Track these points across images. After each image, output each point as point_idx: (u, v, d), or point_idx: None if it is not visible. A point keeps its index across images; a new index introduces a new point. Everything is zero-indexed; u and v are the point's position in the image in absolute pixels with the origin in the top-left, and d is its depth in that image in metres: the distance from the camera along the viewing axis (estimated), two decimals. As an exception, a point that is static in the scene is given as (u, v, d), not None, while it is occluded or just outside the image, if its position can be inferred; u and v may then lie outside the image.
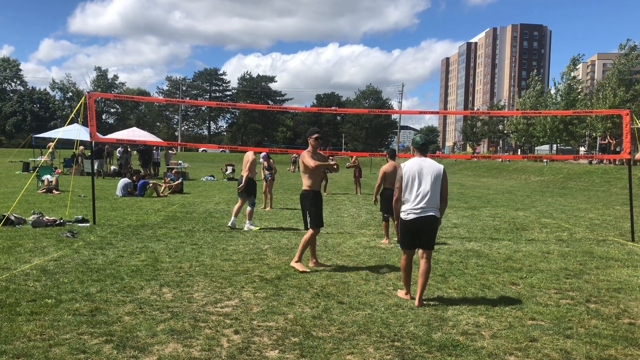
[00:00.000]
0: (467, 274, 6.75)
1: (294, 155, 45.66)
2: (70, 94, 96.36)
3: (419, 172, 5.35)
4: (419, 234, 5.37)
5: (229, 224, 10.25)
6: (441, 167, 5.39)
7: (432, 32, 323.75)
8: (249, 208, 10.38)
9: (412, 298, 5.45)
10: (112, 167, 28.11)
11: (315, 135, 6.97)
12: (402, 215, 5.42)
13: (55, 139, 27.57)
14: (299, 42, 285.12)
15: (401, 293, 5.63)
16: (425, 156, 5.50)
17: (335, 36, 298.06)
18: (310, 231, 6.86)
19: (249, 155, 10.31)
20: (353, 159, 20.16)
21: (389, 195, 8.51)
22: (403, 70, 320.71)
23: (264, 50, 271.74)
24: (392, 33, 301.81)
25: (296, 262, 6.78)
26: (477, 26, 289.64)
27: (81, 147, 26.26)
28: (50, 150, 28.41)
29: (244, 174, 10.29)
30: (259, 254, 7.77)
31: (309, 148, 6.96)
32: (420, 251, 5.46)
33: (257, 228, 10.28)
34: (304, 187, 6.93)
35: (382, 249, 8.40)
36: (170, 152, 31.04)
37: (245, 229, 10.20)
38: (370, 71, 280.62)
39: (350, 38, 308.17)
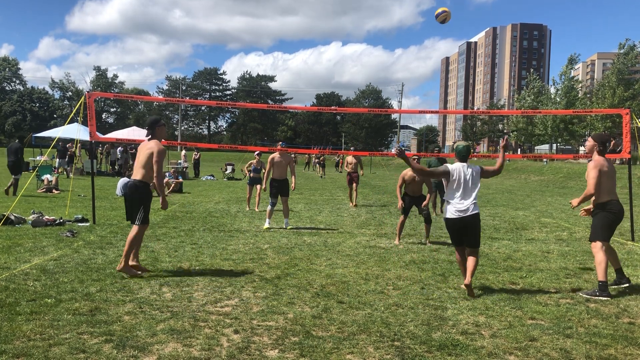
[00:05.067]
0: (467, 273, 6.75)
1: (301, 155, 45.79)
2: (70, 93, 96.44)
3: (464, 175, 5.82)
4: (464, 232, 5.83)
5: (265, 227, 10.31)
6: (478, 167, 5.96)
7: (436, 30, 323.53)
8: (269, 207, 10.52)
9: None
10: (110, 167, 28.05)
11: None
12: (448, 215, 5.85)
13: (55, 138, 27.66)
14: (301, 41, 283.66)
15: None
16: (466, 162, 5.98)
17: (338, 35, 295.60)
18: (138, 227, 6.27)
19: (275, 157, 10.47)
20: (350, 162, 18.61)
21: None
22: (405, 69, 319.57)
23: (265, 49, 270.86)
24: (397, 31, 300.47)
25: (124, 266, 6.13)
26: (481, 25, 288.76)
27: (69, 145, 26.18)
28: (78, 153, 28.63)
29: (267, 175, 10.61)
30: (258, 253, 7.77)
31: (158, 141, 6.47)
32: (467, 249, 5.89)
33: (265, 228, 10.23)
34: (141, 178, 6.27)
35: (382, 249, 8.40)
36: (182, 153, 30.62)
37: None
38: (372, 70, 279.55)
39: (353, 37, 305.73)
